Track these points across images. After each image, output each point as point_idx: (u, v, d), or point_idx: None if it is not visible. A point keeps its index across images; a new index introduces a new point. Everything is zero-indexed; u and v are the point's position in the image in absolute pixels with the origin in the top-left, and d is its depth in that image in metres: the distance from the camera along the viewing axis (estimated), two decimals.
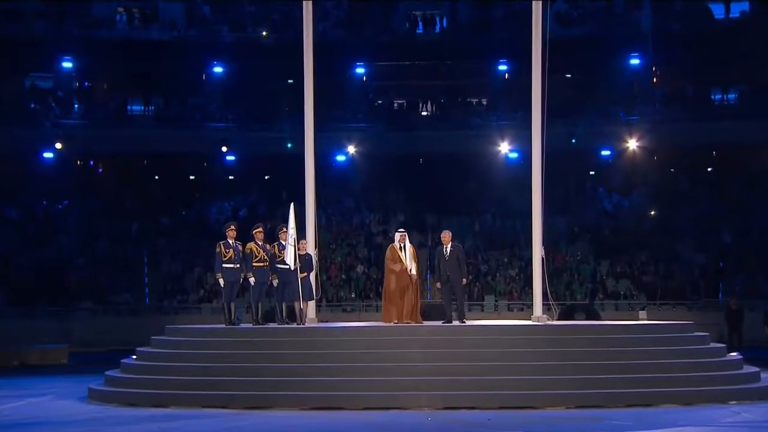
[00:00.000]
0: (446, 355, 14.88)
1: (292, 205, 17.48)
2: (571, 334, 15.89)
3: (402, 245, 17.30)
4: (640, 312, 28.10)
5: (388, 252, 17.43)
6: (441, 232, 17.85)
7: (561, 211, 37.16)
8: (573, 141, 37.80)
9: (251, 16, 40.60)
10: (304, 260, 17.33)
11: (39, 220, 38.32)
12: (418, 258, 17.54)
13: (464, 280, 17.50)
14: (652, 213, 38.94)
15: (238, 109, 40.61)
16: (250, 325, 17.21)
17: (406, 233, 17.57)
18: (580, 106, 37.73)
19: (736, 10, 39.14)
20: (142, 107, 41.39)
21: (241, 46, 39.34)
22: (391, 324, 16.88)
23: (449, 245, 17.39)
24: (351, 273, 35.63)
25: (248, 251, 16.98)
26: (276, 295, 17.45)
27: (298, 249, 17.22)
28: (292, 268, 17.05)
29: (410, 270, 17.07)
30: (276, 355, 15.19)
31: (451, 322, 17.20)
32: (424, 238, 36.34)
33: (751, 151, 38.28)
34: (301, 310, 17.27)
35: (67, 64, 40.61)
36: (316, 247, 18.39)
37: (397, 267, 17.03)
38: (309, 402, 13.96)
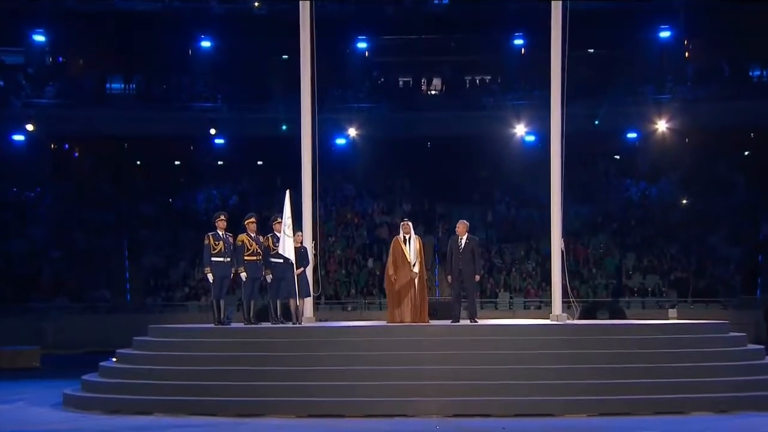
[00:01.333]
0: (456, 358, 14.88)
1: (287, 192, 17.48)
2: (593, 334, 15.88)
3: (407, 237, 17.33)
4: (670, 310, 28.15)
5: (391, 247, 17.49)
6: (456, 222, 17.84)
7: (583, 200, 37.13)
8: (596, 122, 37.75)
9: None
10: (299, 254, 17.34)
11: (8, 209, 38.35)
12: (425, 251, 17.54)
13: (477, 277, 17.52)
14: (684, 202, 38.92)
15: (228, 88, 40.59)
16: (241, 325, 17.22)
17: (410, 223, 17.58)
18: (604, 84, 37.65)
19: None
20: (122, 85, 41.38)
21: (232, 18, 39.31)
22: (396, 324, 16.89)
23: (464, 237, 17.39)
24: (352, 267, 35.66)
25: (239, 244, 16.98)
26: (270, 292, 17.45)
27: (294, 241, 17.24)
28: (289, 262, 17.06)
29: (413, 266, 17.09)
30: (270, 357, 15.19)
31: (458, 321, 17.22)
32: (432, 230, 36.36)
33: None
34: (297, 308, 17.29)
35: (38, 38, 40.62)
36: (313, 239, 18.39)
37: (399, 273, 17.11)
38: (306, 409, 13.97)
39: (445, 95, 42.06)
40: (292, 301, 17.26)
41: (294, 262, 17.16)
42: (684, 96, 38.71)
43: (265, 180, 39.65)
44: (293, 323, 17.11)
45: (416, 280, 17.17)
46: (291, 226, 17.16)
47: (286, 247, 17.06)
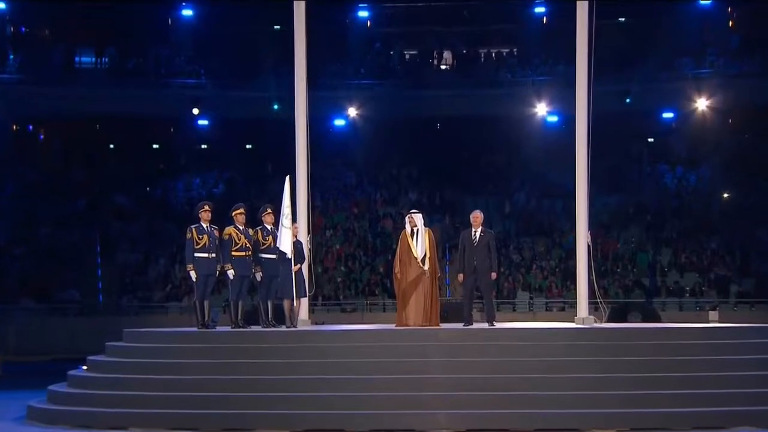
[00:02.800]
0: (470, 366, 14.86)
1: (287, 178, 17.48)
2: (624, 339, 15.87)
3: (414, 230, 17.32)
4: (710, 313, 28.12)
5: (399, 242, 17.50)
6: (471, 213, 17.79)
7: (612, 188, 37.11)
8: (627, 101, 37.74)
9: None
10: (296, 248, 17.35)
11: None
12: (434, 245, 17.51)
13: (493, 274, 17.47)
14: (726, 192, 38.86)
15: (212, 62, 40.59)
16: (228, 329, 17.22)
17: (418, 215, 17.56)
18: (637, 58, 37.61)
19: None
20: (94, 59, 41.37)
21: None
22: (403, 327, 16.90)
23: (479, 229, 17.36)
24: (352, 264, 35.68)
25: (226, 237, 16.96)
26: (260, 292, 17.45)
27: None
28: (286, 257, 17.05)
29: (422, 263, 17.09)
30: (260, 365, 15.19)
31: (472, 324, 17.22)
32: (442, 221, 36.36)
33: None
34: (293, 309, 17.28)
35: None
36: (309, 233, 18.38)
37: (405, 271, 17.14)
38: (300, 423, 13.98)
39: (456, 70, 42.03)
40: (287, 302, 17.23)
41: (291, 257, 17.14)
42: (726, 71, 38.68)
43: (255, 166, 39.65)
44: (287, 326, 17.11)
45: (425, 279, 17.16)
46: (290, 217, 17.15)
47: (283, 240, 17.05)
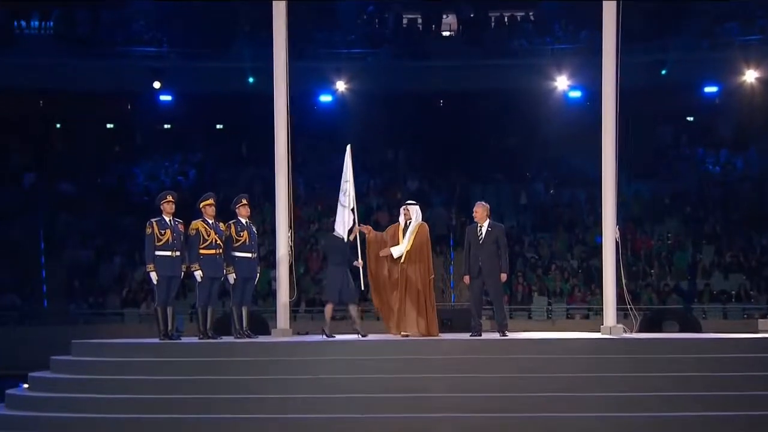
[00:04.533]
0: (479, 383, 14.91)
1: (348, 147, 17.56)
2: (658, 352, 15.92)
3: (408, 223, 17.41)
4: (760, 321, 28.09)
5: (385, 232, 17.61)
6: (473, 206, 17.84)
7: (644, 176, 37.12)
8: (662, 73, 37.70)
9: None
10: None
11: None
12: (427, 241, 17.49)
13: (503, 276, 17.50)
14: None
15: (176, 29, 40.49)
16: (195, 339, 17.23)
17: (416, 206, 17.61)
18: (673, 24, 37.57)
19: None
20: (38, 23, 41.24)
21: None
22: (401, 338, 16.93)
23: (485, 224, 17.39)
24: None
25: (193, 233, 16.98)
26: (233, 296, 17.47)
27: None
28: (345, 240, 17.20)
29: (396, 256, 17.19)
30: (232, 382, 15.22)
31: (481, 335, 17.24)
32: (445, 213, 36.37)
33: None
34: (355, 316, 17.60)
35: None
36: (290, 228, 18.39)
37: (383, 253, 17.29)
38: None
39: (462, 38, 41.98)
40: (352, 308, 17.47)
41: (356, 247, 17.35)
42: None
43: (226, 149, 39.62)
44: (362, 335, 17.17)
45: (409, 280, 17.16)
46: (350, 195, 17.25)
47: (343, 222, 17.19)
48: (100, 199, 38.41)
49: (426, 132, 40.26)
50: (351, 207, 17.56)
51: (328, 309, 17.77)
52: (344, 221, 17.47)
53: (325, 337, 17.20)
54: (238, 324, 17.44)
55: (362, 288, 17.95)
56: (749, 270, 34.79)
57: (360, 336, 17.28)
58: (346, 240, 17.51)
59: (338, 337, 17.64)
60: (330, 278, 17.78)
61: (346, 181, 17.47)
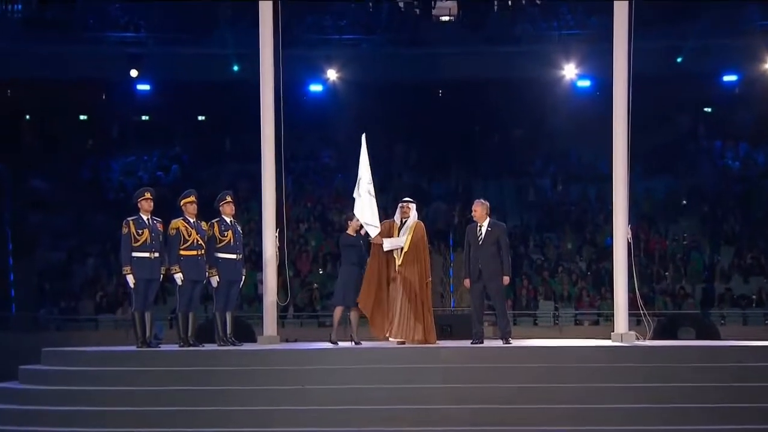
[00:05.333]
0: (480, 394, 14.91)
1: (363, 136, 17.58)
2: (673, 360, 15.91)
3: (404, 222, 17.45)
4: None
5: (381, 227, 17.65)
6: (472, 204, 17.86)
7: (658, 171, 37.15)
8: (678, 60, 37.73)
9: None
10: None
11: None
12: (424, 240, 17.54)
13: (505, 278, 17.53)
14: None
15: (154, 13, 40.47)
16: (175, 347, 17.23)
17: (412, 205, 17.64)
18: (689, 8, 37.59)
19: None
20: (4, 7, 41.20)
21: None
22: (387, 341, 16.98)
23: (485, 223, 17.41)
24: (331, 267, 35.64)
25: (173, 233, 16.99)
26: (216, 301, 17.47)
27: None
28: (372, 236, 17.25)
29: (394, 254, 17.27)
30: (215, 393, 15.21)
31: (482, 342, 17.26)
32: (445, 207, 36.40)
33: None
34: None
35: None
36: (277, 227, 18.42)
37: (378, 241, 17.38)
38: None
39: (462, 23, 41.99)
40: (353, 313, 17.70)
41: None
42: None
43: (209, 142, 39.62)
44: (355, 342, 17.27)
45: (402, 279, 17.20)
46: (371, 184, 17.28)
47: (369, 214, 17.20)
48: (73, 196, 38.38)
49: (424, 124, 40.27)
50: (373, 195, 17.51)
51: (337, 312, 17.75)
52: (372, 212, 17.35)
53: (353, 344, 17.24)
54: (221, 330, 17.45)
55: None
56: None
57: (354, 343, 17.31)
58: (378, 231, 17.39)
59: (323, 345, 17.72)
60: (343, 279, 17.75)
61: (366, 170, 17.45)
